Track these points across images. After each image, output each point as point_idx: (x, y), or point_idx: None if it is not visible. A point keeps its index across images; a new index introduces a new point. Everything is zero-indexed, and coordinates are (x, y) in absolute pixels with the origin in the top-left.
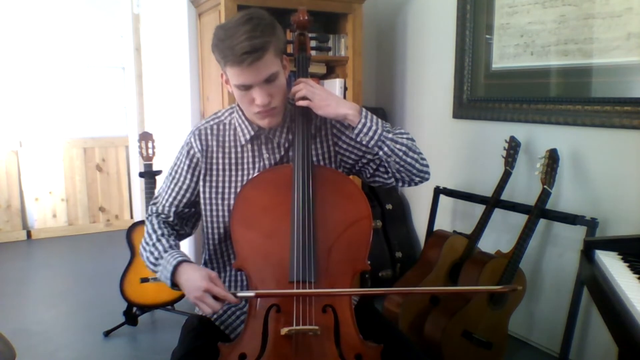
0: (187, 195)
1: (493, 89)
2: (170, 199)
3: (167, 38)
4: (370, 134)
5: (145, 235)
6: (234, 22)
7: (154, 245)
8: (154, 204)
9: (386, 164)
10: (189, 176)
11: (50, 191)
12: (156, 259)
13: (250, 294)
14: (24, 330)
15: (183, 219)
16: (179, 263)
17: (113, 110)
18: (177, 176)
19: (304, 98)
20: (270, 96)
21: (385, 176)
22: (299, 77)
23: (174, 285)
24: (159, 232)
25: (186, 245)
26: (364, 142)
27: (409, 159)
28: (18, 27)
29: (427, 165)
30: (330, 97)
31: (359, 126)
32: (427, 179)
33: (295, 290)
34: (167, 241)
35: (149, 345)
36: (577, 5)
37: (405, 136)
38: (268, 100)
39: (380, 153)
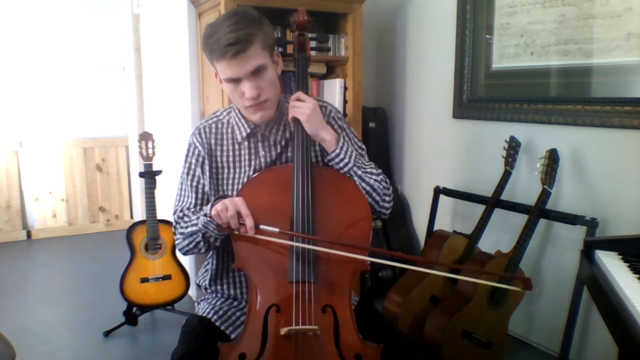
0: (207, 190)
1: (493, 89)
2: (193, 200)
3: (167, 38)
4: (341, 164)
5: (178, 235)
6: (220, 18)
7: (187, 226)
8: (179, 212)
9: None
10: (199, 173)
11: (50, 191)
12: (194, 224)
13: (275, 229)
14: (24, 330)
15: None
16: (217, 199)
17: (113, 110)
18: (190, 177)
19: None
20: (259, 89)
21: None
22: (298, 77)
23: (210, 219)
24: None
25: None
26: (335, 168)
27: (369, 199)
28: (18, 27)
29: (386, 207)
30: (315, 118)
31: (332, 155)
32: (383, 218)
33: (299, 235)
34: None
35: (149, 345)
36: (577, 5)
37: (374, 177)
38: (257, 93)
39: None
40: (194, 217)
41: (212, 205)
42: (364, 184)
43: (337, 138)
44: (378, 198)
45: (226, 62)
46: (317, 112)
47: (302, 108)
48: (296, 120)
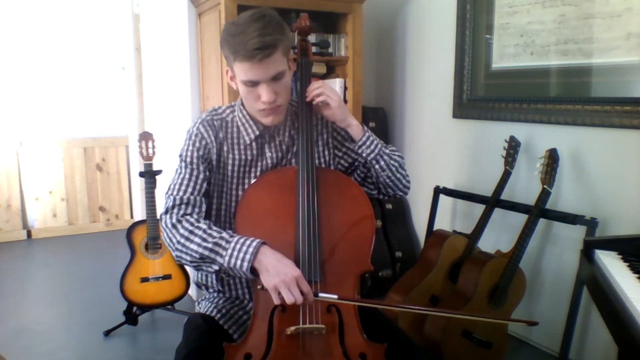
0: (205, 185)
1: (493, 88)
2: (197, 187)
3: (167, 38)
4: (372, 147)
5: (183, 231)
6: (245, 18)
7: (205, 232)
8: (178, 205)
9: (376, 178)
10: (202, 168)
11: (50, 191)
12: (216, 244)
13: (333, 296)
14: (24, 330)
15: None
16: (262, 244)
17: (113, 110)
18: (193, 167)
19: (322, 99)
20: (276, 94)
21: (372, 187)
22: (302, 81)
23: (251, 269)
24: (204, 225)
25: None
26: (364, 155)
27: (398, 175)
28: (18, 27)
29: (409, 182)
30: (343, 104)
31: (363, 139)
32: (406, 194)
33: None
34: (219, 232)
35: (149, 344)
36: (577, 5)
37: (397, 154)
38: (274, 98)
39: (377, 167)
40: (212, 237)
41: (258, 248)
42: (392, 162)
43: (361, 124)
44: (404, 172)
45: (250, 65)
46: (339, 98)
47: (330, 93)
48: (314, 107)
